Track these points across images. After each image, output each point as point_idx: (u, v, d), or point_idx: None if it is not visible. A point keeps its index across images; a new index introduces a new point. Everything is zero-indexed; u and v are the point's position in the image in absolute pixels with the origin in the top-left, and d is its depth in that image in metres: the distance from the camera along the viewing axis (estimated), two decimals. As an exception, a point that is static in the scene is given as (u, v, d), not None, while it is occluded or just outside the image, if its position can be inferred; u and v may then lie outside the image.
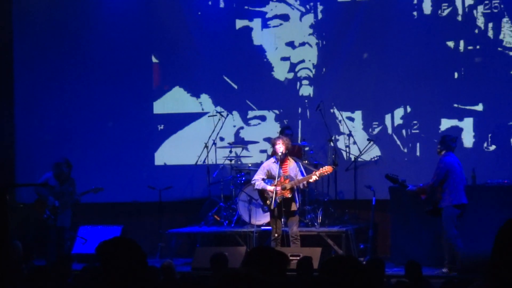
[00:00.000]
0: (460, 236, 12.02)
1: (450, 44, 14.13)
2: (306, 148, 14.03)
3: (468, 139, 14.01)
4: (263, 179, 12.27)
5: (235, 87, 15.03)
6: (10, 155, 15.55)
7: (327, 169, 12.31)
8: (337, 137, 14.49)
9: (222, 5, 15.06)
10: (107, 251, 4.16)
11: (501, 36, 13.91)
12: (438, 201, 12.00)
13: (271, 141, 12.58)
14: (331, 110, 14.46)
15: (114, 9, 15.34)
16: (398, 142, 14.34)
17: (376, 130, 14.41)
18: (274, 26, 14.87)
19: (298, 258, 11.42)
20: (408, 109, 14.31)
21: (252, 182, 12.53)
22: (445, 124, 14.11)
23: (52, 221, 13.52)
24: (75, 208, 13.83)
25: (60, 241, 13.65)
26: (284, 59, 14.82)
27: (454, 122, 14.07)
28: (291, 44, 14.79)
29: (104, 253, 4.15)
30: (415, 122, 14.28)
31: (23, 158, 15.56)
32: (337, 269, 4.18)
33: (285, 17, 14.83)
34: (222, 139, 14.76)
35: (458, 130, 13.92)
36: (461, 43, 14.10)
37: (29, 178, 14.72)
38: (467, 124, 14.04)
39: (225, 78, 15.05)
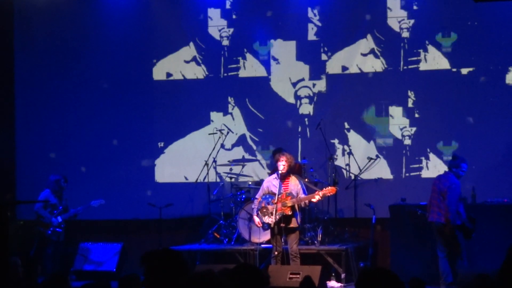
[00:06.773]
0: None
1: (447, 68, 14.23)
2: (306, 166, 14.04)
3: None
4: (265, 195, 12.21)
5: (232, 105, 15.07)
6: (11, 171, 15.57)
7: (330, 189, 12.08)
8: (337, 155, 14.52)
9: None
10: (152, 261, 4.20)
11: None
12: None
13: (275, 157, 12.44)
14: (331, 129, 14.48)
15: (115, 26, 15.39)
16: (398, 160, 14.40)
17: (376, 148, 14.44)
18: (275, 45, 14.94)
19: (297, 275, 11.46)
20: (408, 129, 14.36)
21: (253, 200, 12.55)
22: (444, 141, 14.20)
23: (56, 237, 13.64)
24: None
25: (57, 255, 13.74)
26: (284, 77, 14.86)
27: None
28: (291, 63, 14.84)
29: (149, 263, 4.19)
30: (414, 140, 14.35)
31: (24, 175, 15.58)
32: (376, 283, 4.18)
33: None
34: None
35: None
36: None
37: (29, 195, 14.71)
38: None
39: (229, 98, 15.11)
